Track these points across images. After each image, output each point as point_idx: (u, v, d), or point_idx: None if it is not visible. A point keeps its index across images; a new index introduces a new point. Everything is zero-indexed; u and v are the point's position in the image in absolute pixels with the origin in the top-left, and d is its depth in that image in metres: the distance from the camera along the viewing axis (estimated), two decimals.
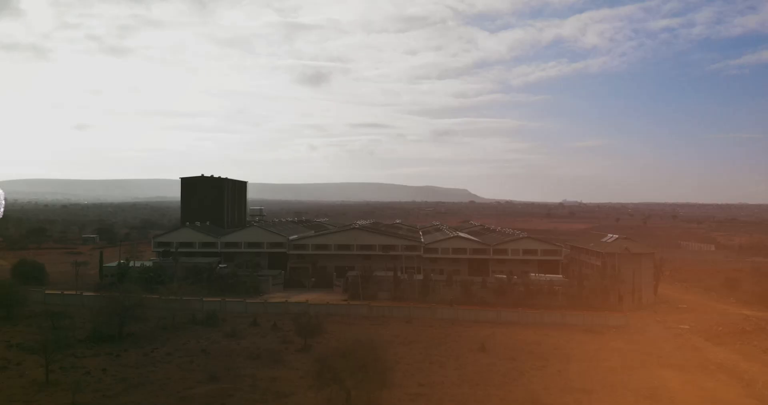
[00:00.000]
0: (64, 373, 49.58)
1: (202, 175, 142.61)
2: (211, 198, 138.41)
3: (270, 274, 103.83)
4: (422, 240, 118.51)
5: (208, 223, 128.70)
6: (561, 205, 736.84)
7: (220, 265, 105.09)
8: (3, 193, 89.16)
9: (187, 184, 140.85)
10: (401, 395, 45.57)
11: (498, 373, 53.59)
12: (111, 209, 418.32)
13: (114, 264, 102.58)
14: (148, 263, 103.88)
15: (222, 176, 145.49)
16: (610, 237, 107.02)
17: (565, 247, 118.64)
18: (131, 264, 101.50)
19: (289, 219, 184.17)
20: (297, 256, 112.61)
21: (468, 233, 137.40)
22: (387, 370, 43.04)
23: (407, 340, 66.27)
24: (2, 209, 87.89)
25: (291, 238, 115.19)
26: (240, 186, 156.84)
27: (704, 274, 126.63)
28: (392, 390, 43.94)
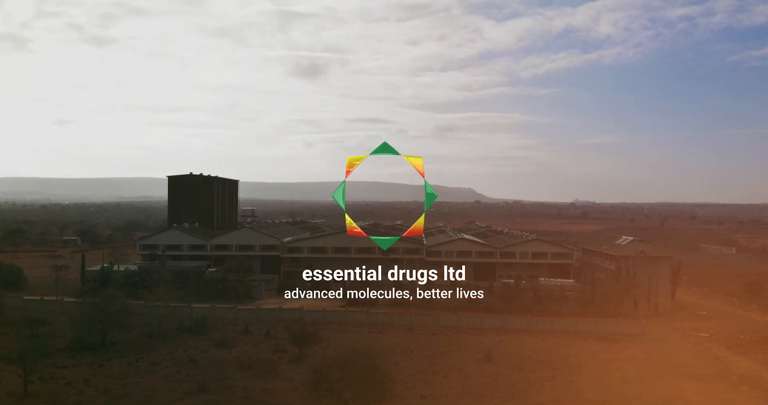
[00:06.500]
0: (43, 383, 49.67)
1: (191, 173, 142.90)
2: (200, 198, 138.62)
3: (263, 279, 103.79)
4: (425, 242, 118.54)
5: (196, 224, 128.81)
6: (572, 205, 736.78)
7: (210, 269, 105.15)
8: None
9: (175, 182, 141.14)
10: None
11: (505, 383, 53.64)
12: (94, 209, 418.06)
13: (97, 268, 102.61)
14: (133, 267, 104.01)
15: (212, 174, 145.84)
16: (625, 239, 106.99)
17: (577, 250, 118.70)
18: (115, 268, 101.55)
19: (283, 220, 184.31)
20: (291, 260, 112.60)
21: (473, 235, 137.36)
22: (387, 380, 43.10)
23: (408, 348, 66.34)
24: None
25: (285, 240, 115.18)
26: (231, 185, 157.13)
27: (725, 279, 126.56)
28: (392, 402, 43.99)
